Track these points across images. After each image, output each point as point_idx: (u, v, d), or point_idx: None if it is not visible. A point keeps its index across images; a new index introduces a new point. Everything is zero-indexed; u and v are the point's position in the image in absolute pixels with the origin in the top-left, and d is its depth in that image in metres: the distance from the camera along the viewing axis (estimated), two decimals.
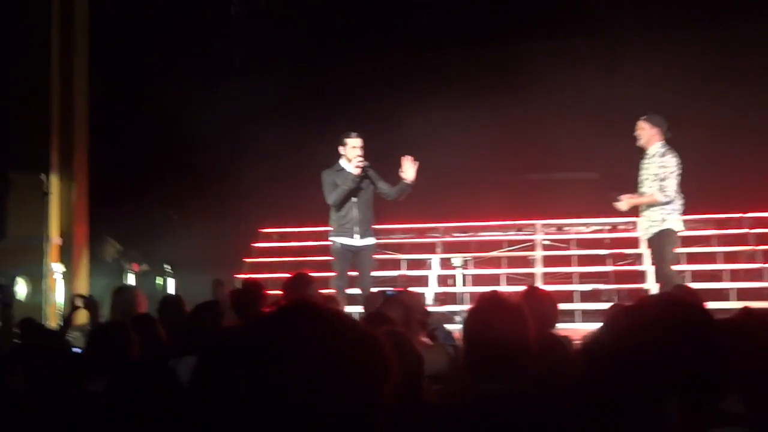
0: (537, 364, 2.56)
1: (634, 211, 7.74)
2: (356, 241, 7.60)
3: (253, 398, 1.00)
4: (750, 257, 10.26)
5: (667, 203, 7.27)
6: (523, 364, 2.51)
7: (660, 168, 7.31)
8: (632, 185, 7.74)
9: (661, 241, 7.32)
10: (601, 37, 11.44)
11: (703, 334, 1.36)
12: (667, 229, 7.28)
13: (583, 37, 11.50)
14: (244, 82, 12.17)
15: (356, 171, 7.48)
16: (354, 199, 7.60)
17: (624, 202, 7.45)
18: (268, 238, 11.84)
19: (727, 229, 10.74)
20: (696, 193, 10.48)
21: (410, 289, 5.91)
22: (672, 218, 7.29)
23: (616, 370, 1.32)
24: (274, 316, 1.10)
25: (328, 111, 11.22)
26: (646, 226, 7.48)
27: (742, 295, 9.64)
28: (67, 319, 5.63)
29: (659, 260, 7.41)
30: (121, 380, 2.24)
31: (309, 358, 1.03)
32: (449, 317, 9.30)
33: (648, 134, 7.45)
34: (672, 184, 7.27)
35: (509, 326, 2.53)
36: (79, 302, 5.86)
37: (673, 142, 10.23)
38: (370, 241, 7.70)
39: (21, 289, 9.04)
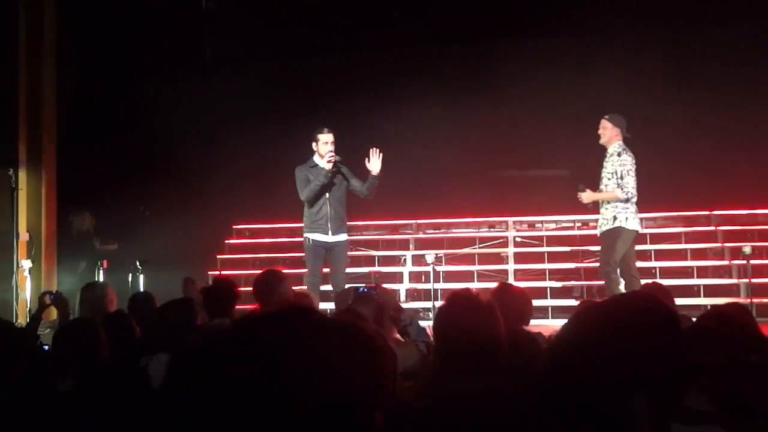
0: (508, 361, 2.56)
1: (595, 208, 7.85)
2: (329, 237, 7.60)
3: (241, 401, 0.98)
4: (718, 254, 10.40)
5: (625, 201, 7.41)
6: (495, 362, 2.49)
7: (619, 166, 7.46)
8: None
9: (609, 240, 7.47)
10: (575, 36, 11.53)
11: (669, 331, 1.38)
12: (617, 228, 7.42)
13: (558, 37, 11.57)
14: (217, 78, 12.09)
15: (328, 166, 7.47)
16: (327, 196, 7.60)
17: (586, 195, 7.58)
18: (241, 234, 11.79)
19: (695, 226, 10.88)
20: (665, 190, 10.66)
21: (383, 285, 5.89)
22: (622, 217, 7.43)
23: (584, 367, 1.33)
24: (271, 317, 1.08)
25: (301, 108, 11.18)
26: (599, 224, 7.65)
27: (710, 291, 9.78)
28: (36, 316, 5.55)
29: (604, 257, 7.56)
30: (89, 379, 2.22)
31: (301, 363, 1.01)
32: (419, 314, 9.33)
33: (610, 133, 7.60)
34: (630, 182, 7.43)
35: (480, 323, 2.52)
36: (47, 299, 5.78)
37: (642, 141, 10.35)
38: (343, 237, 7.69)
39: None
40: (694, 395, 1.76)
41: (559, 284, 10.07)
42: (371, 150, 7.56)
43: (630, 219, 7.45)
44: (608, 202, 7.48)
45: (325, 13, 11.56)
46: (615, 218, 7.42)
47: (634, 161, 7.53)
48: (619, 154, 7.51)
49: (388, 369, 1.07)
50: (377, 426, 1.06)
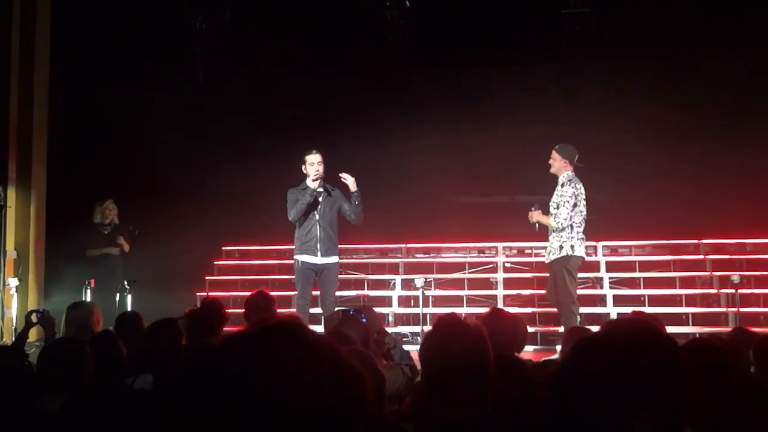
0: (497, 389, 2.51)
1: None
2: (318, 259, 7.59)
3: (228, 418, 0.97)
4: (706, 283, 10.43)
5: (561, 230, 7.62)
6: (483, 389, 2.41)
7: (558, 197, 7.71)
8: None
9: (558, 268, 7.67)
10: (563, 63, 11.63)
11: (670, 359, 1.39)
12: (565, 257, 7.64)
13: (546, 63, 11.68)
14: (208, 99, 12.11)
15: (314, 185, 7.47)
16: (317, 218, 7.60)
17: (535, 214, 7.79)
18: (230, 255, 11.75)
19: (684, 254, 10.92)
20: (654, 219, 10.71)
21: (372, 308, 5.87)
22: (567, 246, 7.64)
23: (589, 398, 1.33)
24: (254, 333, 1.07)
25: (291, 131, 11.21)
26: (548, 251, 7.84)
27: (699, 320, 9.80)
28: (22, 334, 5.50)
29: (563, 289, 7.69)
30: (75, 398, 2.19)
31: (289, 380, 1.00)
32: (407, 337, 9.31)
33: (558, 164, 7.83)
34: (563, 213, 7.62)
35: (468, 349, 2.43)
36: (33, 318, 5.73)
37: (631, 169, 10.42)
38: (333, 260, 7.68)
39: None
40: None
41: (548, 310, 10.04)
42: (340, 175, 7.55)
43: (576, 246, 7.67)
44: (554, 231, 7.70)
45: (318, 38, 11.62)
46: (561, 247, 7.65)
47: (576, 192, 7.71)
48: (562, 185, 7.75)
49: (370, 390, 1.06)
50: None
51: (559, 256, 7.65)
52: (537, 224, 7.82)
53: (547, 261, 7.89)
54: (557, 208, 7.66)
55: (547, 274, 8.08)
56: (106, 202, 9.73)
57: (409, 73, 11.92)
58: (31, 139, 10.21)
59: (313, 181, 7.49)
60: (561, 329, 7.90)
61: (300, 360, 1.02)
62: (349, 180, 7.56)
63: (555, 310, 8.13)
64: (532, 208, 7.84)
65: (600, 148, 10.54)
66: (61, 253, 10.23)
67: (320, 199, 7.62)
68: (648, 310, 8.82)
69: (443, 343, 2.49)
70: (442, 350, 2.46)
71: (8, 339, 8.06)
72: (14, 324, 8.57)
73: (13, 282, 8.65)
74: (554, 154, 7.87)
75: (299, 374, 1.01)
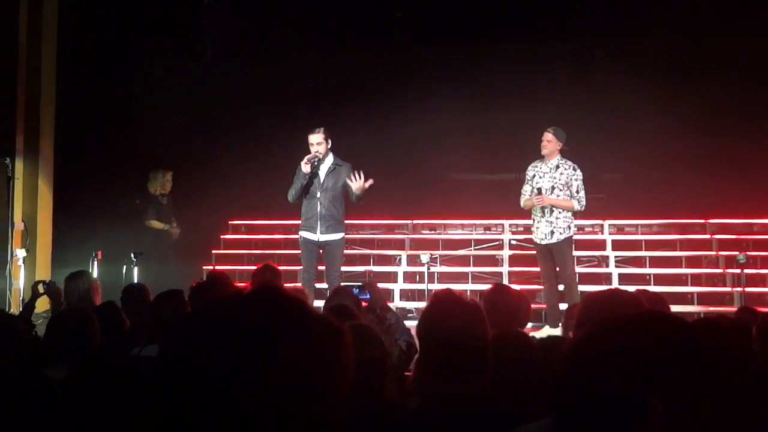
0: (500, 364, 2.50)
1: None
2: (317, 236, 7.57)
3: (217, 385, 0.98)
4: (712, 262, 10.42)
5: (569, 212, 7.92)
6: (481, 363, 2.39)
7: (574, 180, 7.89)
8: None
9: (565, 247, 7.95)
10: (574, 41, 11.54)
11: (685, 338, 1.39)
12: (570, 236, 7.98)
13: (556, 41, 11.58)
14: (216, 72, 12.07)
15: (306, 168, 7.42)
16: (318, 195, 7.57)
17: (547, 199, 7.91)
18: (237, 230, 11.79)
19: (690, 234, 10.90)
20: (661, 198, 10.68)
21: (376, 284, 5.89)
22: (573, 226, 8.01)
23: (602, 371, 1.34)
24: (237, 300, 1.08)
25: (299, 105, 11.19)
26: (547, 231, 7.97)
27: (704, 299, 9.80)
28: (29, 305, 5.54)
29: (565, 264, 7.98)
30: (81, 368, 2.21)
31: (276, 344, 1.01)
32: (407, 313, 9.35)
33: (553, 146, 8.00)
34: (584, 195, 7.93)
35: (463, 325, 2.41)
36: (40, 288, 5.77)
37: (638, 148, 10.38)
38: (335, 236, 7.62)
39: None
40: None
41: None
42: (357, 172, 7.52)
43: (572, 227, 8.04)
44: (561, 212, 7.90)
45: (327, 12, 11.55)
46: (569, 227, 7.95)
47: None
48: (574, 168, 7.93)
49: (350, 362, 1.07)
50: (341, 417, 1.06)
51: (567, 235, 7.92)
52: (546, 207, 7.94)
53: (553, 241, 7.95)
54: (578, 191, 7.87)
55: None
56: (167, 174, 9.75)
57: (417, 49, 11.84)
58: (39, 112, 10.22)
59: (306, 164, 7.42)
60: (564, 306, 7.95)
61: (277, 322, 1.03)
62: (355, 184, 7.45)
63: (560, 287, 8.15)
64: (537, 192, 7.94)
65: (608, 126, 10.51)
66: (68, 224, 10.29)
67: (322, 175, 7.56)
68: (653, 289, 8.82)
69: (439, 319, 2.47)
70: (438, 326, 2.45)
71: (15, 309, 8.11)
72: (22, 295, 8.63)
73: (21, 253, 8.70)
74: (550, 136, 8.01)
75: (278, 336, 1.02)
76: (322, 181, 7.56)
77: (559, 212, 7.91)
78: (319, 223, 7.54)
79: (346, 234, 7.93)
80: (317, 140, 7.48)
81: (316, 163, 7.47)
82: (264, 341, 1.00)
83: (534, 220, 8.12)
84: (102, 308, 4.48)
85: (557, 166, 7.94)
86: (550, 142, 7.96)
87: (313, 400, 1.00)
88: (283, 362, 1.00)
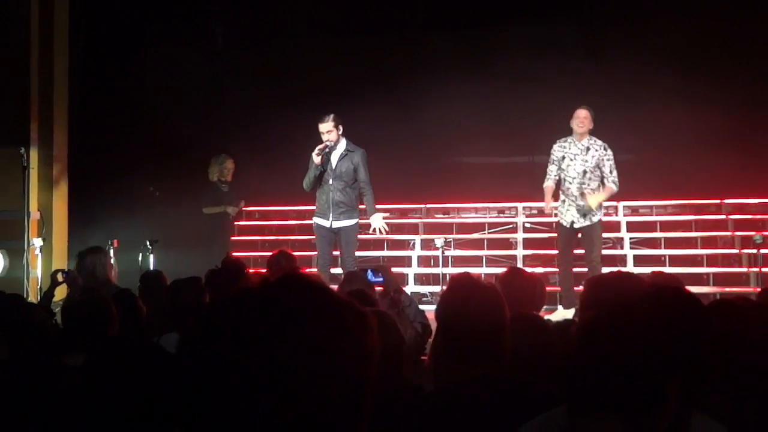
0: (514, 346, 2.51)
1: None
2: (328, 222, 7.60)
3: (244, 373, 0.98)
4: (728, 243, 10.36)
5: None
6: (499, 346, 2.41)
7: (606, 161, 7.73)
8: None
9: (598, 229, 7.85)
10: (584, 22, 11.44)
11: (699, 319, 1.39)
12: (601, 218, 7.89)
13: (567, 22, 11.49)
14: (227, 59, 12.07)
15: (317, 159, 7.45)
16: (330, 182, 7.58)
17: (593, 199, 7.76)
18: (251, 216, 11.81)
19: (706, 214, 10.83)
20: (676, 178, 10.61)
21: (390, 268, 5.91)
22: (602, 207, 7.92)
23: (616, 359, 1.33)
24: (265, 288, 1.08)
25: (311, 90, 11.16)
26: (579, 214, 7.83)
27: (720, 280, 9.76)
28: (48, 293, 5.58)
29: (594, 246, 7.86)
30: (99, 355, 2.23)
31: (302, 330, 1.01)
32: (426, 297, 9.36)
33: (589, 125, 7.82)
34: (617, 175, 7.80)
35: (483, 309, 2.43)
36: (60, 277, 5.82)
37: (653, 128, 10.31)
38: (347, 222, 7.62)
39: (0, 263, 8.98)
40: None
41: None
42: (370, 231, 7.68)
43: (602, 208, 7.98)
44: (593, 194, 7.77)
45: None
46: (601, 207, 7.90)
47: None
48: (605, 148, 7.77)
49: (376, 345, 1.07)
50: (368, 404, 1.06)
51: (600, 216, 7.86)
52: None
53: (586, 223, 7.86)
54: (611, 172, 7.74)
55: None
56: (226, 161, 9.78)
57: (428, 33, 11.78)
58: (52, 101, 10.25)
59: (316, 155, 7.44)
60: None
61: (302, 310, 1.03)
62: (376, 222, 7.59)
63: (577, 269, 8.13)
64: (583, 197, 7.77)
65: (621, 107, 10.42)
66: (83, 213, 10.35)
67: (334, 162, 7.56)
68: (669, 270, 8.79)
69: (459, 303, 2.49)
70: (458, 310, 2.46)
71: (34, 298, 8.18)
72: (39, 283, 8.70)
73: (38, 242, 8.75)
74: (585, 113, 7.81)
75: (304, 324, 1.02)
76: (334, 168, 7.56)
77: (591, 194, 7.77)
78: (331, 209, 7.55)
79: (360, 219, 7.93)
80: (327, 128, 7.46)
81: (327, 152, 7.47)
82: (291, 327, 1.00)
83: (564, 202, 7.96)
84: (118, 295, 4.51)
85: (588, 148, 7.76)
86: (586, 119, 7.74)
87: (341, 384, 1.01)
88: (309, 348, 1.00)
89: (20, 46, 9.92)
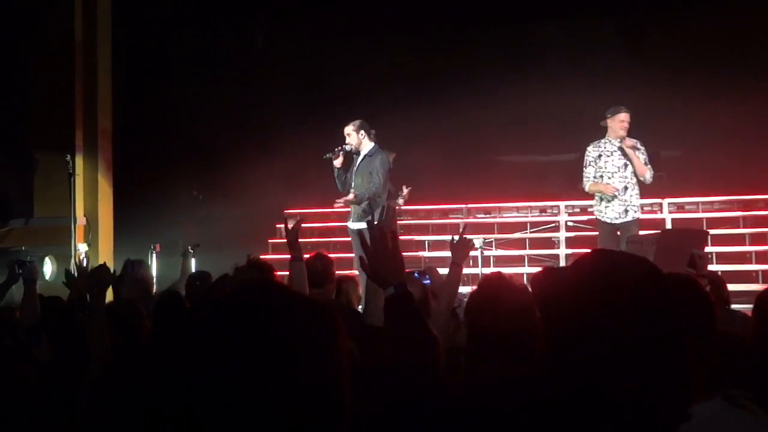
0: (545, 348, 2.46)
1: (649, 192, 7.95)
2: (350, 224, 7.88)
3: (212, 380, 0.99)
4: None
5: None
6: (529, 348, 2.37)
7: (641, 155, 7.71)
8: (656, 164, 7.80)
9: (636, 227, 7.80)
10: (625, 17, 11.26)
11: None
12: (639, 217, 7.88)
13: (604, 17, 11.33)
14: (269, 63, 12.16)
15: (337, 162, 7.72)
16: (351, 185, 7.78)
17: (627, 143, 7.73)
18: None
19: (754, 210, 10.57)
20: (723, 174, 10.38)
21: (436, 269, 5.89)
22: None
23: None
24: (231, 296, 1.09)
25: (350, 94, 11.18)
26: (621, 210, 7.78)
27: None
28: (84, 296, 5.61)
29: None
30: (129, 359, 2.26)
31: (268, 334, 1.02)
32: (464, 297, 9.29)
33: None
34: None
35: (513, 309, 2.41)
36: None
37: (700, 124, 10.08)
38: (361, 225, 7.70)
39: (48, 268, 9.15)
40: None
41: None
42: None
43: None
44: (634, 190, 7.76)
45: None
46: (640, 205, 7.94)
47: None
48: (638, 145, 7.77)
49: (337, 334, 1.08)
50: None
51: (639, 215, 7.91)
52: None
53: (627, 219, 7.81)
54: (646, 164, 7.73)
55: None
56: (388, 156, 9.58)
57: (466, 32, 11.72)
58: (97, 108, 10.44)
59: (334, 159, 7.72)
60: None
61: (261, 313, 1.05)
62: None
63: None
64: (621, 185, 7.74)
65: (665, 102, 10.24)
66: (128, 218, 10.51)
67: (356, 166, 7.78)
68: (716, 267, 8.59)
69: (487, 302, 2.47)
70: (485, 309, 2.45)
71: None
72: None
73: (83, 247, 8.92)
74: (629, 117, 7.80)
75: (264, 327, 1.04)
76: (354, 171, 7.79)
77: (632, 190, 7.72)
78: (351, 211, 7.82)
79: (399, 220, 7.98)
80: (346, 132, 7.79)
81: (341, 154, 7.74)
82: (257, 332, 1.01)
83: (603, 199, 7.87)
84: (165, 298, 4.56)
85: (619, 145, 7.74)
86: (629, 122, 7.76)
87: (313, 382, 1.01)
88: (275, 348, 1.01)
89: (65, 55, 10.13)
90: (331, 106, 11.10)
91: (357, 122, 7.77)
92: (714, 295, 4.35)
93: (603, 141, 7.85)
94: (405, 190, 8.81)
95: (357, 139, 7.72)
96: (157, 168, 10.80)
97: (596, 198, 7.97)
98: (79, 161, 9.97)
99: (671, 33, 10.65)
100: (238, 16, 12.03)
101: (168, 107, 11.23)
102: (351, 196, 7.61)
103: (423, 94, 10.81)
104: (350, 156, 7.81)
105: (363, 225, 7.63)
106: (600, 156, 7.81)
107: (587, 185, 7.91)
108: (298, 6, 12.00)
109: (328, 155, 7.76)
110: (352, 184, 7.73)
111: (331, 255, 6.56)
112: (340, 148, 7.71)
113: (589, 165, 7.89)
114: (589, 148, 7.92)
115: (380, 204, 7.71)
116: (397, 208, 8.69)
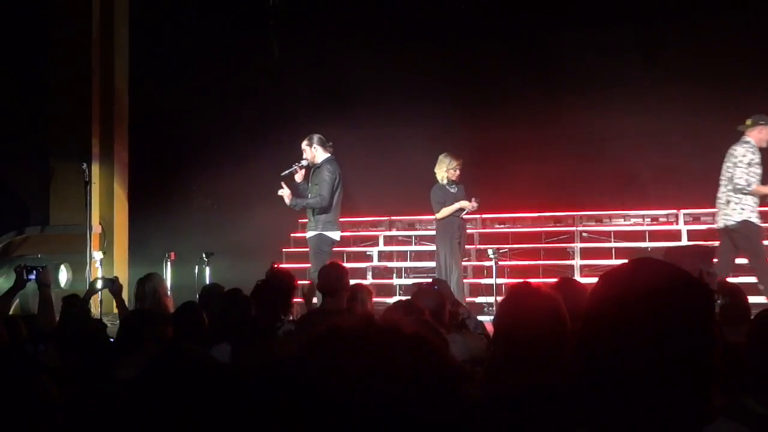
0: (572, 357, 2.46)
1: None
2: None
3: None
4: None
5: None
6: (558, 357, 2.38)
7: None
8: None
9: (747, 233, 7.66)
10: (640, 24, 11.22)
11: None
12: (747, 220, 7.63)
13: (622, 25, 11.29)
14: (281, 71, 12.19)
15: (296, 177, 8.03)
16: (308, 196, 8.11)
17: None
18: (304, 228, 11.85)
19: None
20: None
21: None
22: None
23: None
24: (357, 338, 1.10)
25: (366, 103, 11.18)
26: (725, 214, 7.81)
27: None
28: (85, 300, 5.54)
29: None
30: (150, 368, 2.24)
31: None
32: (482, 308, 9.27)
33: None
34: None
35: (544, 318, 2.42)
36: (99, 284, 5.87)
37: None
38: (308, 234, 8.16)
39: (63, 275, 9.18)
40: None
41: None
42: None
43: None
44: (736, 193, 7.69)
45: (390, 10, 11.52)
46: (743, 210, 7.73)
47: None
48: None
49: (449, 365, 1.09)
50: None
51: (743, 218, 7.78)
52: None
53: (723, 224, 7.83)
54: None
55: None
56: (453, 162, 9.25)
57: (479, 37, 11.70)
58: (113, 117, 10.51)
59: (295, 174, 8.06)
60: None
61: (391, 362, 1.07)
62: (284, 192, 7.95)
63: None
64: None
65: (683, 111, 10.18)
66: (143, 226, 10.55)
67: (309, 181, 8.14)
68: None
69: (519, 311, 2.48)
70: (518, 319, 2.46)
71: (95, 310, 8.36)
72: (100, 296, 8.88)
73: (98, 255, 8.96)
74: None
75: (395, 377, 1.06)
76: (310, 183, 8.12)
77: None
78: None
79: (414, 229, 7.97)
80: (302, 147, 8.12)
81: (300, 170, 8.07)
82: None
83: (756, 202, 7.81)
84: (182, 309, 4.56)
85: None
86: None
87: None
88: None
89: (82, 65, 10.21)
90: (346, 115, 11.11)
91: (311, 136, 8.10)
92: (732, 310, 4.31)
93: (753, 147, 7.75)
94: (474, 202, 8.81)
95: (311, 152, 8.06)
96: (173, 175, 10.83)
97: (752, 200, 7.78)
98: (96, 169, 10.04)
99: (689, 44, 10.58)
100: (255, 27, 12.07)
101: (184, 114, 11.27)
102: (286, 198, 7.91)
103: (436, 104, 10.79)
104: (309, 170, 8.13)
105: (308, 234, 8.07)
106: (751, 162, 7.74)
107: (754, 185, 7.72)
108: (313, 18, 12.03)
109: (285, 173, 8.03)
110: (308, 195, 8.03)
111: (345, 264, 6.57)
112: (297, 164, 8.03)
113: (756, 165, 7.75)
114: (750, 148, 7.79)
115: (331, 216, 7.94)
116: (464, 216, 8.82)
